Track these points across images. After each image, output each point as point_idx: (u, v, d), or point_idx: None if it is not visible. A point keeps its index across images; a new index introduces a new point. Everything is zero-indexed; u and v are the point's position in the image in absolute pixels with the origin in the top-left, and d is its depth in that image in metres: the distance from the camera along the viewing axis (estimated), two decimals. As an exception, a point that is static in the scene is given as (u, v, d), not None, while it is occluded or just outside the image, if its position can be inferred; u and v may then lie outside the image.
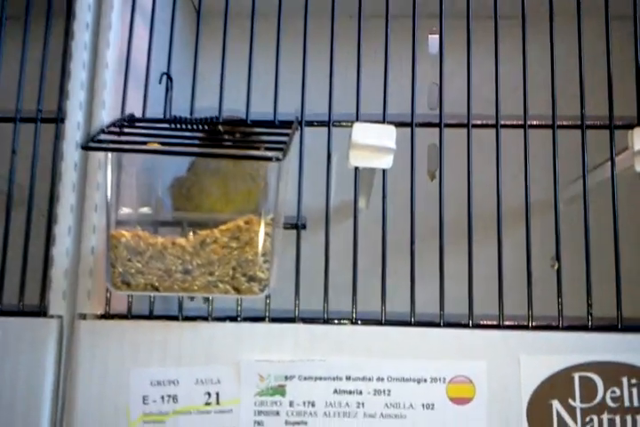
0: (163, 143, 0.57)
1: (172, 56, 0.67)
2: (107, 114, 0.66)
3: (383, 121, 0.65)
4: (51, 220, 0.66)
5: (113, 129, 0.60)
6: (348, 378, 0.62)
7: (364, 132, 0.63)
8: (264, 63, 0.67)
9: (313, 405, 0.61)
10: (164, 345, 0.63)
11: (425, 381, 0.61)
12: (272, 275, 0.60)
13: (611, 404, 0.61)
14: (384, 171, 0.65)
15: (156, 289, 0.59)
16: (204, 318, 0.64)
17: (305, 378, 0.62)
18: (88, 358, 0.63)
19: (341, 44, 0.66)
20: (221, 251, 0.58)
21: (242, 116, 0.65)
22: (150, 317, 0.64)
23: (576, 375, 0.61)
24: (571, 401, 0.61)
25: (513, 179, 0.65)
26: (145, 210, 0.63)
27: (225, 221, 0.58)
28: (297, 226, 0.65)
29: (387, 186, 0.65)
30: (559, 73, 0.66)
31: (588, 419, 0.61)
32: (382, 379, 0.61)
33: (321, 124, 0.66)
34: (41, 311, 0.65)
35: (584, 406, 0.61)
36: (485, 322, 0.63)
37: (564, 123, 0.66)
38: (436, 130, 0.66)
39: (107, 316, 0.64)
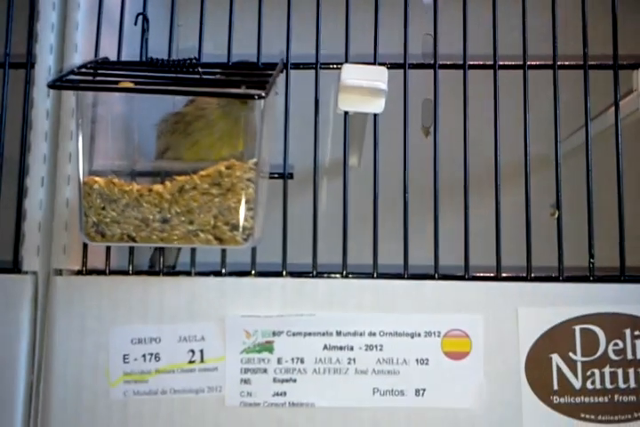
0: (138, 83, 0.54)
1: (148, -5, 0.63)
2: (79, 58, 0.63)
3: (374, 62, 0.62)
4: (22, 171, 0.62)
5: (84, 71, 0.56)
6: (339, 333, 0.59)
7: (353, 74, 0.60)
8: (250, 8, 0.63)
9: (302, 361, 0.59)
10: (145, 302, 0.60)
11: (419, 335, 0.59)
12: (257, 225, 0.56)
13: (613, 357, 0.59)
14: (375, 118, 0.61)
15: (133, 240, 0.55)
16: (187, 273, 0.61)
17: (293, 334, 0.59)
18: (65, 317, 0.60)
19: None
20: (201, 198, 0.55)
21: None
22: (129, 272, 0.61)
23: (577, 328, 0.59)
24: (571, 355, 0.59)
25: (512, 128, 0.62)
26: (121, 159, 0.59)
27: (205, 168, 0.55)
28: (284, 175, 0.62)
29: (378, 133, 0.61)
30: (560, 10, 0.63)
31: (589, 373, 0.59)
32: (374, 334, 0.59)
33: (308, 66, 0.63)
34: (14, 267, 0.62)
35: (585, 359, 0.59)
36: (482, 274, 0.61)
37: (566, 63, 0.62)
38: (431, 84, 0.62)
39: (84, 272, 0.61)
